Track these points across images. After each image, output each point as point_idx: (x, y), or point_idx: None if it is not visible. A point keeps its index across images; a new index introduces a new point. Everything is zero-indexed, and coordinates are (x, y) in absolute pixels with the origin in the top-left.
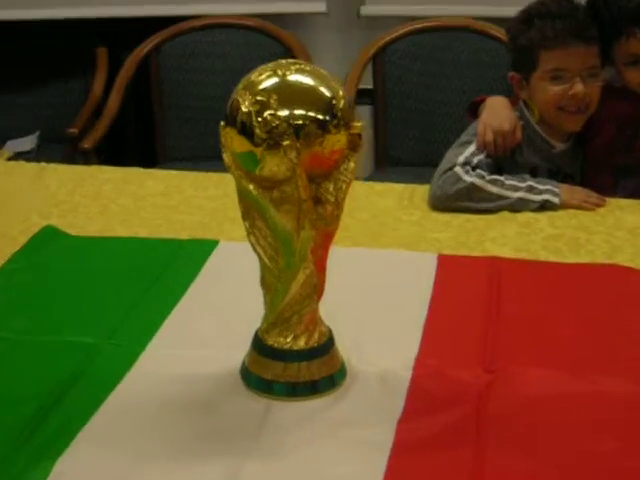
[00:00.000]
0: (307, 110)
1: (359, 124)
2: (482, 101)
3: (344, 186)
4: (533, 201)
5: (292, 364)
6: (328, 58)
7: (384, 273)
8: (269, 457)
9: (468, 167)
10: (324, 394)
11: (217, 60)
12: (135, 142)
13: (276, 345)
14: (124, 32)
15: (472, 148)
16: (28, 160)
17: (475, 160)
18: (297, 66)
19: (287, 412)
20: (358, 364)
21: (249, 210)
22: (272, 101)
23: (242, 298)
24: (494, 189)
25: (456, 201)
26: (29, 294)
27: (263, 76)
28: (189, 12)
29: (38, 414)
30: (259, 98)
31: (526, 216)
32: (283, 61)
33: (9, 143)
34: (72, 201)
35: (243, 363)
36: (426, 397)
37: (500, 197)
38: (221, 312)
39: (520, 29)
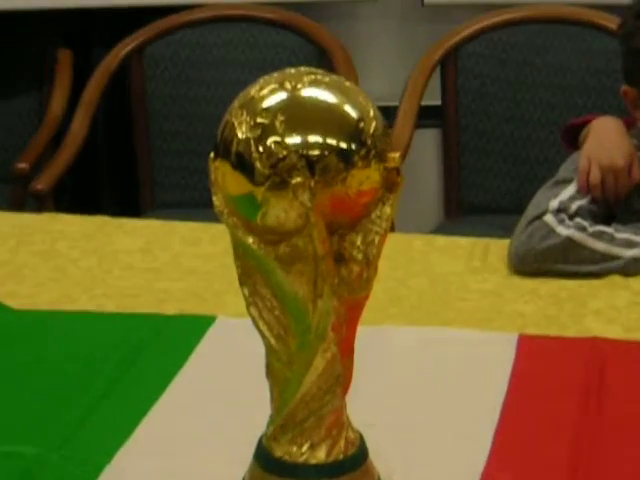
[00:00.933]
0: (325, 136)
1: (396, 155)
2: (584, 124)
3: (377, 239)
4: None
5: None
6: (378, 64)
7: (444, 360)
8: None
9: (564, 215)
10: None
11: (222, 68)
12: (109, 181)
13: (287, 457)
14: (94, 28)
15: (571, 190)
16: None
17: (574, 206)
18: (312, 76)
19: None
20: None
21: (249, 272)
22: (278, 124)
23: (244, 394)
24: (600, 246)
25: (546, 262)
26: None
27: (266, 90)
28: (182, 0)
29: None
30: (261, 120)
31: None
32: (292, 70)
33: None
34: (15, 262)
35: None
36: None
37: (608, 256)
38: (215, 413)
39: (636, 27)
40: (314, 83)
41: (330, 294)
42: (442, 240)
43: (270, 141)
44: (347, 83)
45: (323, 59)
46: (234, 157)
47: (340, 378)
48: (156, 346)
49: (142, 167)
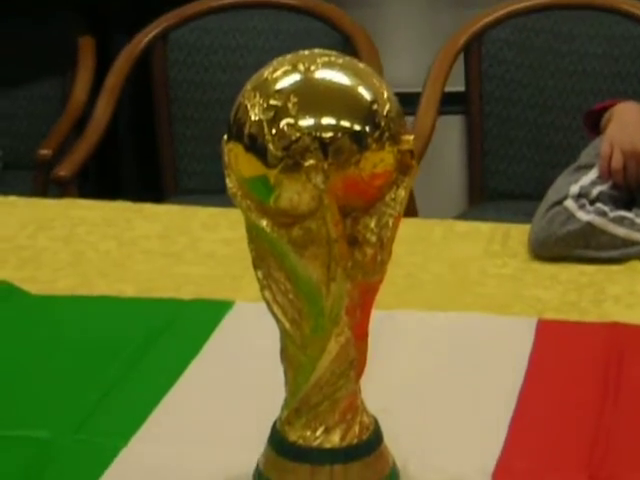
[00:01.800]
0: (338, 118)
1: (410, 137)
2: (605, 109)
3: (391, 222)
4: None
5: (323, 467)
6: (402, 51)
7: (462, 345)
8: None
9: (584, 201)
10: None
11: (245, 55)
12: (132, 168)
13: (301, 441)
14: (117, 15)
15: (592, 175)
16: None
17: (595, 191)
18: (325, 58)
19: None
20: (417, 469)
21: (262, 256)
22: (291, 106)
23: (262, 379)
24: (620, 231)
25: (566, 247)
26: None
27: (279, 72)
28: None
29: None
30: (273, 102)
31: None
32: (306, 52)
33: None
34: (34, 246)
35: (257, 467)
36: None
37: (628, 242)
38: (232, 398)
39: None
40: (328, 65)
41: (343, 277)
42: (462, 225)
43: (283, 123)
44: (361, 65)
45: (347, 46)
46: (247, 139)
47: (354, 362)
48: (174, 331)
49: (165, 153)
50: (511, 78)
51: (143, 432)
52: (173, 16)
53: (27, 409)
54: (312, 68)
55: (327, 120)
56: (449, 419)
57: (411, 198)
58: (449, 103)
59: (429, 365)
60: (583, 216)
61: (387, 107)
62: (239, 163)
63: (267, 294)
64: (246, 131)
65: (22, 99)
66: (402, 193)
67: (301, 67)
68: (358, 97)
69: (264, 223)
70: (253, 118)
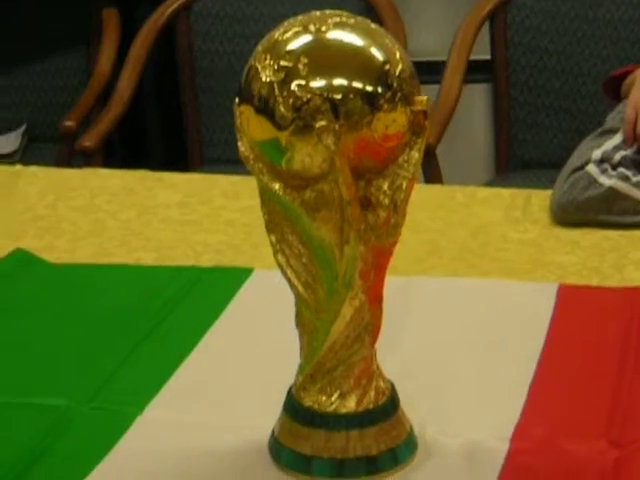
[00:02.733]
0: (350, 79)
1: (423, 98)
2: (624, 75)
3: (404, 184)
4: None
5: (338, 433)
6: (426, 18)
7: (481, 311)
8: None
9: (607, 165)
10: (383, 475)
11: (269, 24)
12: (157, 139)
13: (316, 407)
14: None
15: (616, 140)
16: (11, 165)
17: (618, 156)
18: (337, 19)
19: None
20: (435, 434)
21: (275, 220)
22: (302, 67)
23: (280, 346)
24: None
25: (589, 212)
26: None
27: (290, 33)
28: None
29: None
30: (284, 64)
31: None
32: (317, 13)
33: None
34: (54, 216)
35: (272, 433)
36: None
37: None
38: (248, 365)
39: None
40: (339, 25)
41: (357, 240)
42: (484, 191)
43: (294, 84)
44: (373, 25)
45: (371, 14)
46: (258, 101)
47: (369, 326)
48: (192, 298)
49: (190, 124)
50: (537, 45)
51: (159, 399)
52: None
53: (44, 377)
54: (323, 29)
55: (338, 81)
56: (467, 384)
57: (437, 167)
58: (475, 71)
59: (448, 331)
60: (605, 181)
61: (399, 67)
62: (250, 126)
63: (280, 258)
64: (257, 93)
65: (47, 72)
66: (415, 155)
67: (312, 28)
68: (370, 57)
69: (276, 186)
70: (264, 80)
